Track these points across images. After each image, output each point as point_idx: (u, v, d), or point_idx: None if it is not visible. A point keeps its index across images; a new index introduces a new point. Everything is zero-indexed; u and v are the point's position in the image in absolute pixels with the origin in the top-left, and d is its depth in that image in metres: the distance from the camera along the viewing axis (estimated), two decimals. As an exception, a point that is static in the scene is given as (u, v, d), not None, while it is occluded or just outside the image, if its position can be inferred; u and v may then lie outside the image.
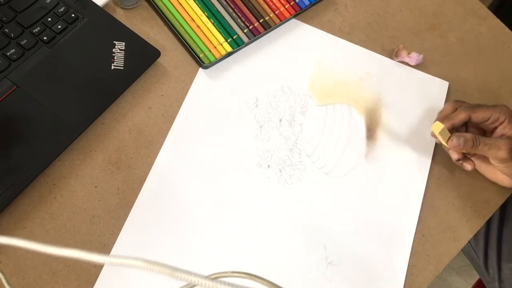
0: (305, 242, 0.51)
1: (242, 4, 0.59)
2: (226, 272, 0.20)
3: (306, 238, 0.51)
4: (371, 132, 0.57)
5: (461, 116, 0.52)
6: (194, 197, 0.50)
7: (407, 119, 0.58)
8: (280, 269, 0.49)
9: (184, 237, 0.48)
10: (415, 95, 0.60)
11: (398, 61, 0.61)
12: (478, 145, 0.50)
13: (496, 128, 0.53)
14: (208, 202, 0.50)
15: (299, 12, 0.61)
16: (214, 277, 0.19)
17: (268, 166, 0.53)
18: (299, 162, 0.54)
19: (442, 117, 0.53)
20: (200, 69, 0.56)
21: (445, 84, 0.61)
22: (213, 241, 0.49)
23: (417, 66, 0.61)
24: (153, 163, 0.51)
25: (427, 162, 0.56)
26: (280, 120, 0.55)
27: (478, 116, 0.52)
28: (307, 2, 0.61)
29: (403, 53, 0.61)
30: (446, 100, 0.61)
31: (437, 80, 0.61)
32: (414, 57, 0.61)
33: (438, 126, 0.50)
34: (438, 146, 0.57)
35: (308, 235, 0.51)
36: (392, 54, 0.62)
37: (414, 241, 0.53)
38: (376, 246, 0.52)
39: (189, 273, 0.19)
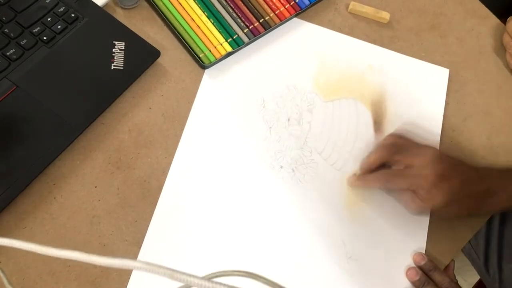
0: (323, 239, 0.51)
1: (242, 4, 0.59)
2: (227, 271, 0.20)
3: (325, 235, 0.51)
4: (378, 125, 0.57)
5: (374, 184, 0.53)
6: (210, 203, 0.50)
7: (412, 109, 0.59)
8: (302, 269, 0.49)
9: (205, 239, 0.49)
10: (418, 85, 0.61)
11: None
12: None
13: None
14: (224, 207, 0.50)
15: (299, 12, 0.61)
16: (213, 276, 0.19)
17: (281, 167, 0.53)
18: (311, 160, 0.54)
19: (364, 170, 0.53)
20: (205, 73, 0.56)
21: (446, 71, 0.62)
22: (231, 244, 0.49)
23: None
24: (153, 163, 0.51)
25: None
26: (289, 120, 0.55)
27: (394, 187, 0.51)
28: (307, 2, 0.61)
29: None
30: (448, 88, 0.61)
31: (437, 67, 0.62)
32: None
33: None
34: (442, 139, 0.58)
35: (326, 232, 0.51)
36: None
37: (414, 241, 0.53)
38: (392, 239, 0.52)
39: (188, 274, 0.19)
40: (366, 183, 0.53)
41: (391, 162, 0.51)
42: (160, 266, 0.18)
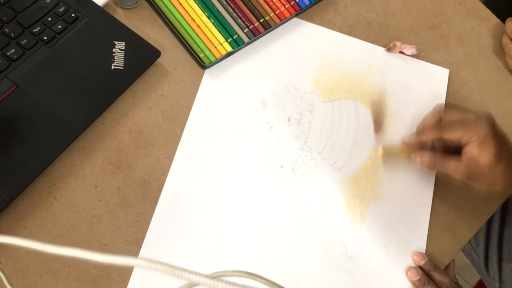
0: (323, 239, 0.51)
1: (242, 4, 0.59)
2: (227, 271, 0.20)
3: (324, 235, 0.51)
4: (378, 125, 0.57)
5: (429, 136, 0.52)
6: (210, 203, 0.50)
7: (412, 109, 0.59)
8: (302, 268, 0.49)
9: (205, 239, 0.49)
10: (418, 85, 0.61)
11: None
12: (435, 168, 0.52)
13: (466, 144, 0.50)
14: (224, 207, 0.50)
15: (299, 12, 0.61)
16: (215, 276, 0.19)
17: (281, 167, 0.53)
18: (311, 160, 0.54)
19: (420, 130, 0.54)
20: (205, 73, 0.56)
21: (446, 71, 0.62)
22: (231, 244, 0.49)
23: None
24: (153, 163, 0.51)
25: None
26: (289, 120, 0.56)
27: (448, 137, 0.50)
28: (307, 2, 0.61)
29: (395, 51, 0.62)
30: (448, 88, 0.61)
31: (438, 68, 0.62)
32: (408, 48, 0.62)
33: (379, 151, 0.54)
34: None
35: (326, 232, 0.51)
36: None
37: (414, 241, 0.53)
38: (392, 239, 0.52)
39: (190, 272, 0.19)
40: (423, 137, 0.52)
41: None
42: (162, 263, 0.18)
